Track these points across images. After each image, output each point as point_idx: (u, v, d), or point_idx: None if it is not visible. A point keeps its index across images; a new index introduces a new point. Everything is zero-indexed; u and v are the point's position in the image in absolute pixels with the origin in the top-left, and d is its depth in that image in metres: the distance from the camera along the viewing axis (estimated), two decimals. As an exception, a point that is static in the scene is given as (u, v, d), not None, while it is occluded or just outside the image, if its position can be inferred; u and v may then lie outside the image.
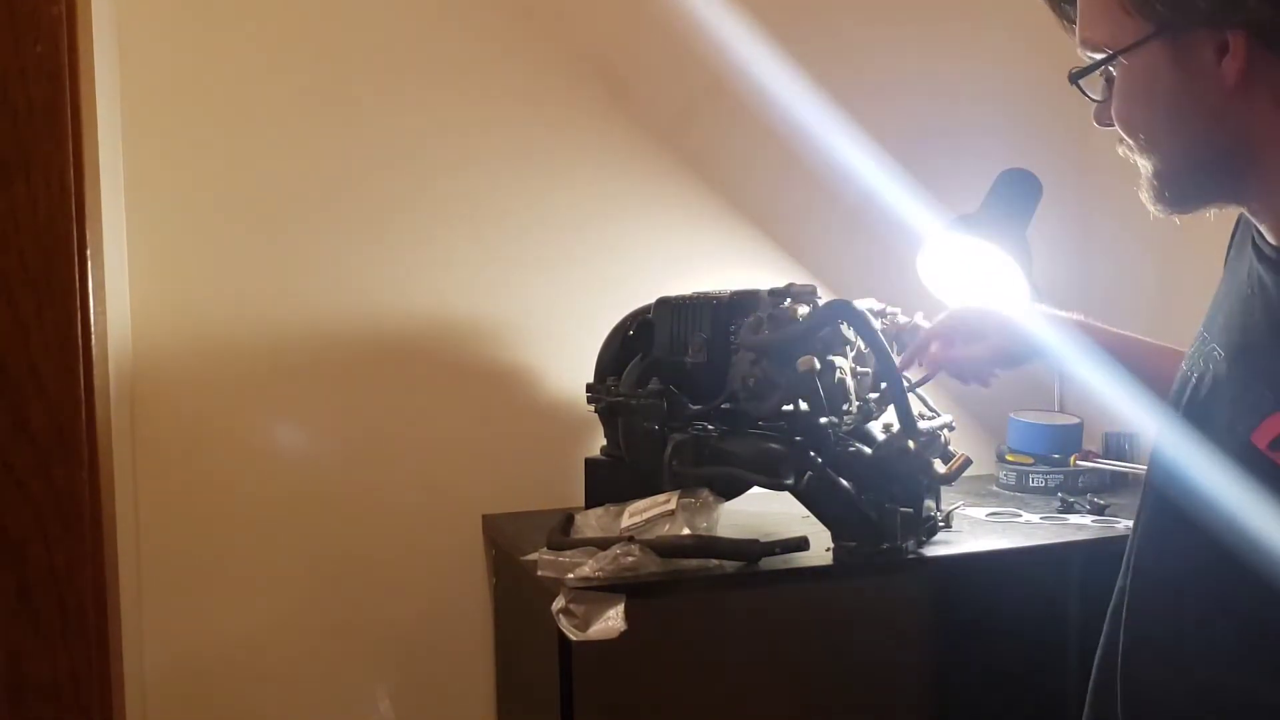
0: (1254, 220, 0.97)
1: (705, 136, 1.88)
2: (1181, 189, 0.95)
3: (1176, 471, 0.94)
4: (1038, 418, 1.88)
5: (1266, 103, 0.89)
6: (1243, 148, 0.91)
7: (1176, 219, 0.98)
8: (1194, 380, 0.98)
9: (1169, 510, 0.94)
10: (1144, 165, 0.96)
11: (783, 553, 1.42)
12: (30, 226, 1.09)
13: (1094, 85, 0.97)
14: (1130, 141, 0.95)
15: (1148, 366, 1.23)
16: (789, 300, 1.52)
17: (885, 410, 1.52)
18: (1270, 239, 0.95)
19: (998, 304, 1.46)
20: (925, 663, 2.00)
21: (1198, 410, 0.96)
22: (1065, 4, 1.00)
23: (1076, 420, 1.86)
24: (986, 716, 1.86)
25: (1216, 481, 0.89)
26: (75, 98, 1.11)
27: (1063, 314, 1.32)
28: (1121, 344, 1.27)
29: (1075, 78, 0.97)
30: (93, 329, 1.13)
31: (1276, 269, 0.93)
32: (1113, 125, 0.97)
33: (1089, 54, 0.96)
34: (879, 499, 1.42)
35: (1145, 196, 0.97)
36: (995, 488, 1.87)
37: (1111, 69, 0.95)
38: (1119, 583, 1.02)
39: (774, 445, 1.46)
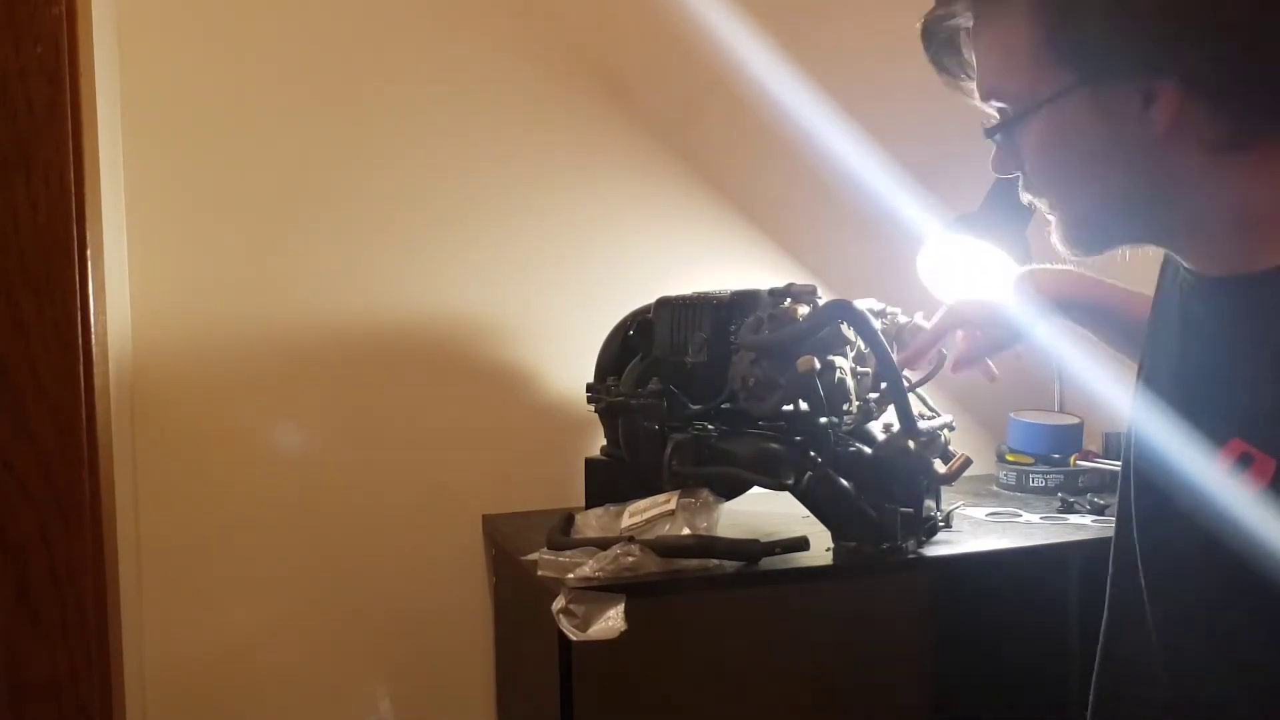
0: (1177, 256, 0.97)
1: (705, 136, 1.88)
2: (1094, 235, 0.95)
3: (1163, 464, 0.94)
4: (1038, 418, 1.88)
5: (1193, 146, 0.87)
6: (1164, 193, 0.90)
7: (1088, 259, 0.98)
8: (1144, 406, 0.99)
9: (1161, 501, 0.95)
10: (1053, 213, 0.95)
11: (783, 553, 1.42)
12: (30, 226, 1.10)
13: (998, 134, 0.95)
14: (1041, 194, 0.95)
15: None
16: (789, 300, 1.52)
17: (885, 410, 1.52)
18: (1192, 269, 0.95)
19: (986, 293, 1.43)
20: (925, 663, 2.00)
21: (1153, 437, 0.97)
22: (947, 58, 0.99)
23: (1076, 420, 1.86)
24: (986, 716, 1.86)
25: (1201, 489, 0.89)
26: (75, 98, 1.11)
27: (1058, 269, 1.27)
28: (1124, 301, 1.24)
29: (993, 132, 0.95)
30: (93, 329, 1.13)
31: (1206, 298, 0.93)
32: (1013, 175, 0.96)
33: (996, 104, 0.94)
34: (879, 499, 1.42)
35: (1056, 240, 0.96)
36: (995, 488, 1.87)
37: (1014, 119, 0.92)
38: (1111, 571, 1.03)
39: (774, 445, 1.46)
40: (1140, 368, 1.03)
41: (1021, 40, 0.90)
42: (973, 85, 0.98)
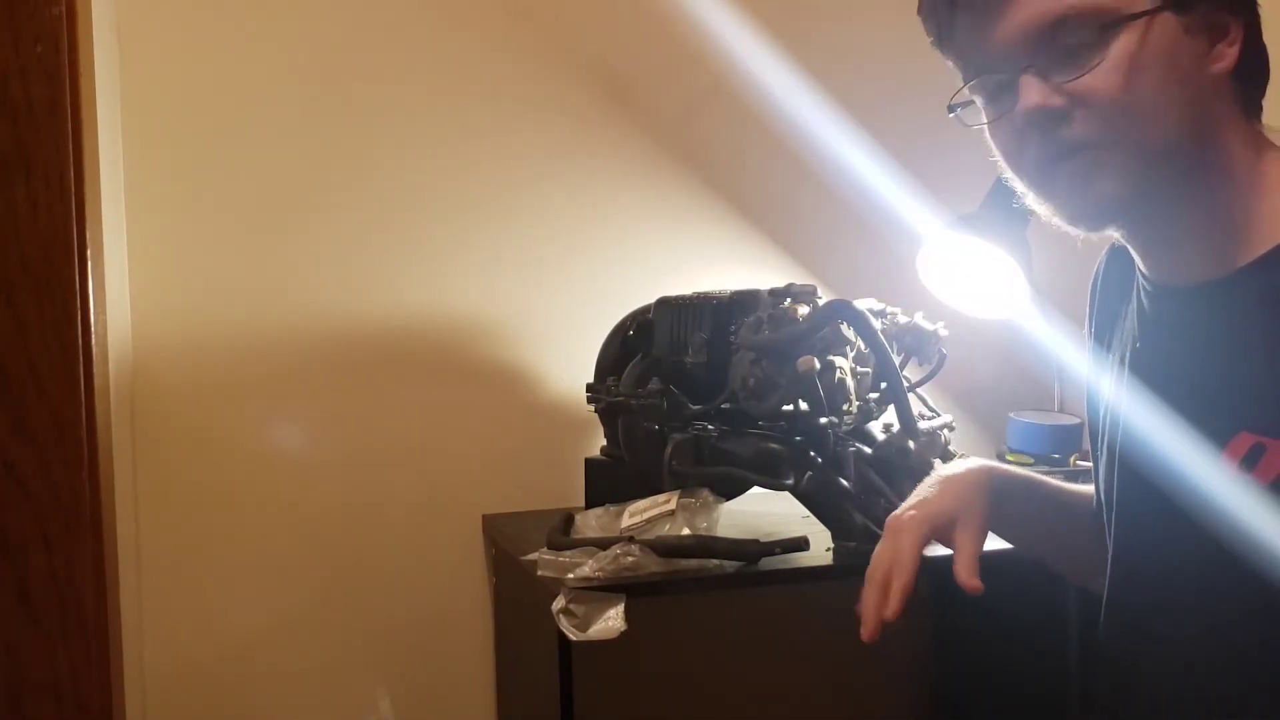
0: (1167, 257, 0.96)
1: (706, 136, 1.88)
2: (1148, 182, 0.90)
3: (1161, 464, 0.94)
4: (1038, 418, 1.88)
5: (1228, 104, 0.90)
6: (1206, 145, 0.90)
7: (1090, 237, 0.95)
8: (1126, 415, 0.99)
9: (1152, 496, 0.95)
10: (1112, 154, 0.89)
11: (783, 553, 1.42)
12: (30, 226, 1.09)
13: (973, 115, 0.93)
14: (1110, 116, 0.88)
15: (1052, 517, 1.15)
16: (789, 300, 1.52)
17: (885, 410, 1.52)
18: (1156, 278, 0.95)
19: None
20: (925, 663, 2.00)
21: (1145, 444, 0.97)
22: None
23: (1076, 420, 1.86)
24: (985, 716, 1.86)
25: (1207, 487, 0.89)
26: (75, 98, 1.11)
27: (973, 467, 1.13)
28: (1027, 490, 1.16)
29: (1112, 25, 0.87)
30: (93, 329, 1.13)
31: (1186, 305, 0.94)
32: (1058, 106, 0.89)
33: (1079, 17, 0.88)
34: (879, 499, 1.42)
35: (1077, 198, 0.92)
36: (995, 488, 1.86)
37: (1108, 37, 0.88)
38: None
39: (774, 445, 1.46)
40: (1119, 358, 1.03)
41: None
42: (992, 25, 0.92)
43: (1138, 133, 0.89)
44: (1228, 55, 0.88)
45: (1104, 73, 0.88)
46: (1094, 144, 0.89)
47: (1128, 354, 1.01)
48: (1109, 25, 0.87)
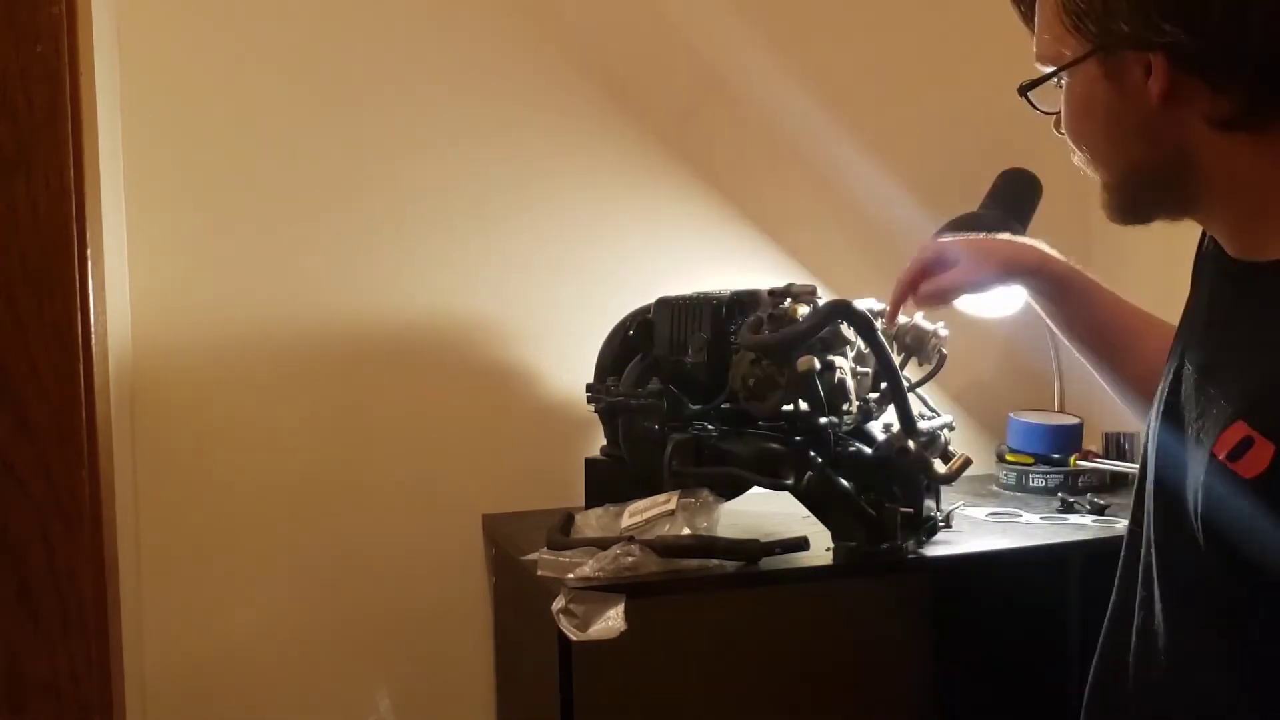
0: (1215, 235, 0.99)
1: (705, 137, 1.88)
2: (1126, 199, 0.98)
3: (1177, 473, 0.94)
4: (1038, 418, 1.88)
5: (1197, 121, 0.91)
6: (1180, 163, 0.94)
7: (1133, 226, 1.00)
8: (1169, 384, 0.99)
9: (1176, 513, 0.94)
10: (1095, 175, 1.00)
11: (783, 553, 1.42)
12: (30, 226, 1.10)
13: (1049, 97, 1.01)
14: (1078, 153, 1.00)
15: (1125, 341, 1.23)
16: (789, 300, 1.52)
17: (885, 410, 1.52)
18: (1229, 251, 0.96)
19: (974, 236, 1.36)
20: (925, 663, 2.00)
21: (1173, 415, 0.97)
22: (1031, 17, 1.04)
23: (1076, 420, 1.86)
24: (986, 716, 1.86)
25: (1198, 471, 0.89)
26: (75, 98, 1.11)
27: (1058, 258, 1.27)
28: (1109, 310, 1.27)
29: (1024, 90, 1.01)
30: (93, 329, 1.13)
31: (1235, 282, 0.95)
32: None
33: (1040, 67, 0.99)
34: (879, 499, 1.42)
35: (1101, 204, 1.01)
36: (995, 488, 1.86)
37: (1060, 83, 0.98)
38: (1118, 583, 1.03)
39: (774, 445, 1.46)
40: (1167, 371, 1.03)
41: (1050, 8, 0.96)
42: None
43: (1094, 164, 0.99)
44: (1153, 90, 0.91)
45: (1063, 115, 0.99)
46: (1084, 163, 1.00)
47: (1188, 331, 1.02)
48: (1049, 75, 0.98)
